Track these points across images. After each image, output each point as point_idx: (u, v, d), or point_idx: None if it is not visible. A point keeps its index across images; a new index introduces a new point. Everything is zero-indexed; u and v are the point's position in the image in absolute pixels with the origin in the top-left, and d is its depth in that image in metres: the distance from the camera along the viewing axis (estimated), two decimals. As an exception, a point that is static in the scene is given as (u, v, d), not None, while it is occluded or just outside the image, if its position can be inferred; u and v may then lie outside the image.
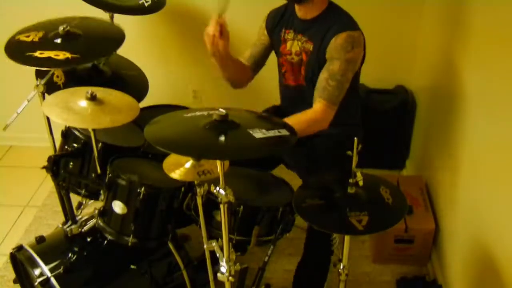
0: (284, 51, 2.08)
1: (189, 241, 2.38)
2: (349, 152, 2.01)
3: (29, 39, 2.05)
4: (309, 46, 1.99)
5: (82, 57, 2.00)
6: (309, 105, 2.09)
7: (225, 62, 1.99)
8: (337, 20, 1.93)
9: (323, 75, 1.91)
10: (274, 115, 2.18)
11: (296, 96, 2.14)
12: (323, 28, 1.94)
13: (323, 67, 1.94)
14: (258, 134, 1.49)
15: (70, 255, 1.96)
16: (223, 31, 1.84)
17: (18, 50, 2.01)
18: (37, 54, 1.97)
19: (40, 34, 2.07)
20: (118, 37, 2.15)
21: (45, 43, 2.04)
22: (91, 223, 2.08)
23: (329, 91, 1.88)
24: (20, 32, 2.10)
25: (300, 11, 2.00)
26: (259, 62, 2.22)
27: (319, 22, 1.97)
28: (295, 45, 2.03)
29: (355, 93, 2.07)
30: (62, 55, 1.96)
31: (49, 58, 1.96)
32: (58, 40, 2.04)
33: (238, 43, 3.04)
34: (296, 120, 1.84)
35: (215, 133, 1.48)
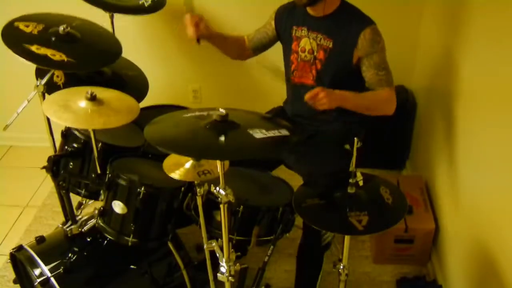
0: (297, 48, 2.07)
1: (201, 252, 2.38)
2: (347, 146, 2.02)
3: (28, 30, 2.02)
4: (328, 43, 1.99)
5: (77, 63, 1.99)
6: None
7: (213, 41, 2.14)
8: (354, 16, 1.97)
9: (370, 72, 1.98)
10: (278, 117, 2.20)
11: (301, 95, 2.13)
12: (342, 24, 1.96)
13: (347, 63, 1.97)
14: (258, 134, 1.49)
15: (70, 255, 1.96)
16: (198, 23, 2.00)
17: (15, 39, 1.98)
18: (34, 48, 1.95)
19: (40, 27, 2.05)
20: (114, 52, 2.16)
21: (44, 38, 2.01)
22: (91, 223, 2.08)
23: (384, 80, 1.99)
24: (20, 19, 2.07)
25: (313, 10, 2.00)
26: (259, 47, 2.26)
27: (335, 19, 1.97)
28: (308, 42, 2.03)
29: (359, 90, 2.08)
30: (58, 56, 1.95)
31: (46, 56, 1.94)
32: (57, 39, 2.03)
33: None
34: (374, 96, 1.99)
35: (215, 133, 1.48)
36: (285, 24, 2.11)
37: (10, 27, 2.02)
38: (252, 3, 2.89)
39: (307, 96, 1.83)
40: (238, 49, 2.27)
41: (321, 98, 1.82)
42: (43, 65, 2.00)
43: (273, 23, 2.17)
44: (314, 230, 2.04)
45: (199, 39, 2.01)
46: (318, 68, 2.03)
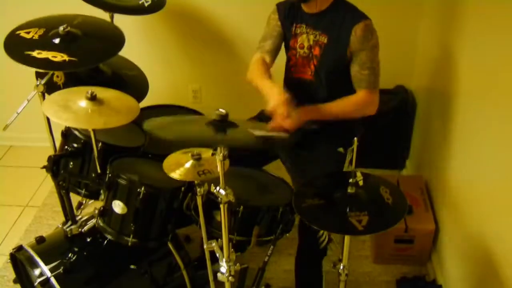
0: (295, 45, 2.08)
1: (190, 242, 2.38)
2: (340, 149, 2.02)
3: (29, 36, 2.04)
4: (324, 39, 1.99)
5: (79, 61, 1.99)
6: (313, 101, 2.09)
7: None
8: (348, 12, 1.97)
9: (354, 69, 1.97)
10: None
11: (300, 91, 2.13)
12: (336, 20, 1.96)
13: (341, 58, 1.97)
14: (258, 132, 1.49)
15: (70, 255, 1.96)
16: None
17: (17, 48, 1.99)
18: (35, 53, 1.96)
19: (41, 31, 2.06)
20: (117, 42, 2.15)
21: (44, 42, 2.02)
22: (91, 223, 2.08)
23: (364, 80, 1.97)
24: (21, 27, 2.09)
25: (306, 7, 2.01)
26: (277, 50, 2.21)
27: (329, 14, 1.98)
28: (306, 39, 2.04)
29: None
30: (59, 57, 1.96)
31: (47, 59, 1.95)
32: (58, 40, 2.03)
33: (238, 42, 3.05)
34: (343, 103, 1.99)
35: (214, 129, 1.48)
36: (286, 20, 2.12)
37: (12, 36, 2.05)
38: (252, 3, 2.89)
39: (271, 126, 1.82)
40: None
41: (283, 122, 1.82)
42: (44, 69, 2.01)
43: (278, 21, 2.16)
44: (310, 233, 2.04)
45: None
46: (315, 64, 2.03)
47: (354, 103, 2.00)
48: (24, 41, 2.02)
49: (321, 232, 2.03)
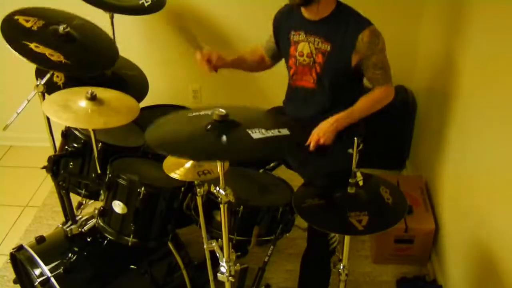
0: (294, 53, 2.07)
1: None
2: (350, 150, 2.02)
3: (28, 25, 2.01)
4: (326, 47, 1.98)
5: (74, 65, 1.99)
6: (314, 108, 2.08)
7: (231, 67, 2.17)
8: (352, 18, 1.96)
9: (368, 72, 2.02)
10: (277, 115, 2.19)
11: (302, 98, 2.13)
12: (339, 27, 1.95)
13: (346, 65, 1.97)
14: (256, 134, 1.47)
15: (70, 255, 1.96)
16: (210, 60, 2.08)
17: (14, 34, 1.96)
18: (33, 46, 1.94)
19: (40, 23, 2.04)
20: (111, 57, 2.17)
21: (43, 36, 2.00)
22: (91, 223, 2.08)
23: (380, 78, 2.03)
24: (20, 12, 2.06)
25: (308, 13, 1.99)
26: (275, 55, 2.26)
27: (332, 21, 1.97)
28: (306, 46, 2.03)
29: (360, 90, 2.08)
30: (56, 56, 1.95)
31: (44, 55, 1.94)
32: (56, 38, 2.03)
33: (237, 41, 3.05)
34: (366, 103, 2.05)
35: (216, 134, 1.47)
36: (283, 29, 2.10)
37: (10, 20, 2.00)
38: (252, 3, 2.89)
39: (312, 146, 1.95)
40: (259, 63, 2.29)
41: (323, 140, 1.95)
42: (40, 65, 1.99)
43: (271, 32, 2.17)
44: (320, 236, 2.03)
45: (216, 69, 2.11)
46: (318, 72, 2.02)
47: (375, 100, 2.06)
48: (23, 28, 1.99)
49: (332, 234, 2.03)
